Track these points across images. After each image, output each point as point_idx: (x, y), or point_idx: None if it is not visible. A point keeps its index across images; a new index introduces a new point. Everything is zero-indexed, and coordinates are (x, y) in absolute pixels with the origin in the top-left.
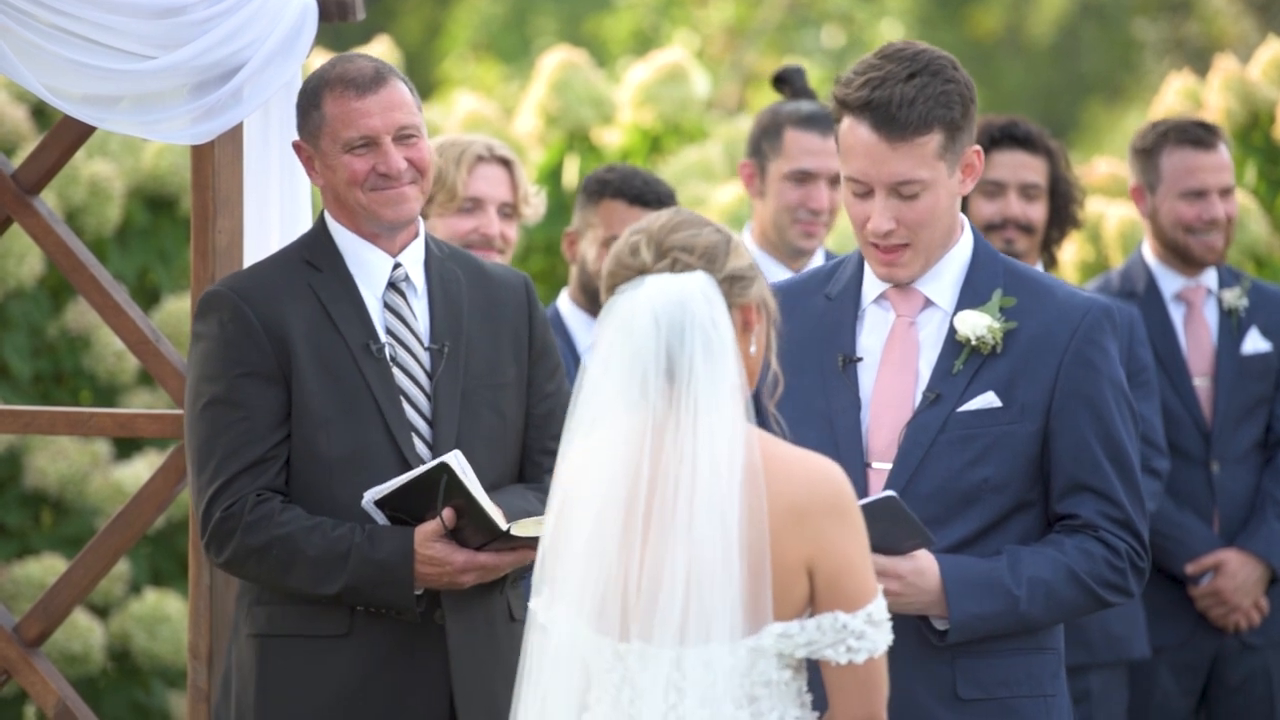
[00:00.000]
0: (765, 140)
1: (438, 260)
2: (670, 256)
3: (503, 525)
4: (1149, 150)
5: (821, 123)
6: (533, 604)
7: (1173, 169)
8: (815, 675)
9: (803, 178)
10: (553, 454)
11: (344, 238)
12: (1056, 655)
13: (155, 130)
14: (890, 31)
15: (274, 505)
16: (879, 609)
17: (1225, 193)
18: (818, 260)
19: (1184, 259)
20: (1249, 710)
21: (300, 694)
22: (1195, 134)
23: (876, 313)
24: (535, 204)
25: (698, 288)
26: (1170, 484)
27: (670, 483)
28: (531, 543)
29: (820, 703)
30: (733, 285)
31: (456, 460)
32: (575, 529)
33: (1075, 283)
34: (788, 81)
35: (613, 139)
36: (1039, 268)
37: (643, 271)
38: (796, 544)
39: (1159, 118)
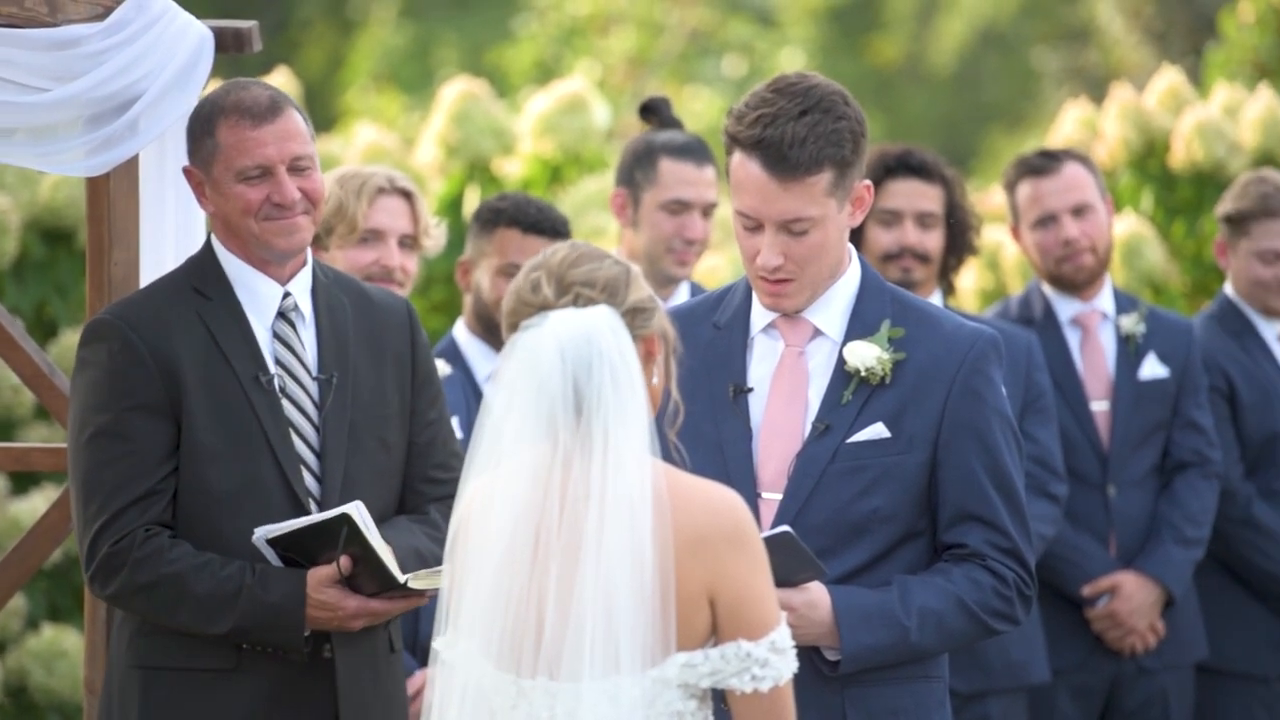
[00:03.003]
0: (638, 169)
1: (324, 287)
2: (573, 292)
3: (400, 578)
4: (1008, 189)
5: (696, 153)
6: (436, 643)
7: (1022, 202)
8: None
9: (678, 208)
10: (435, 483)
11: (233, 265)
12: (942, 683)
13: (51, 162)
14: (791, 61)
15: (162, 541)
16: (783, 637)
17: (1079, 211)
18: (683, 290)
19: (1067, 285)
20: None
21: None
22: (1035, 163)
23: (765, 342)
24: (436, 236)
25: (603, 322)
26: (1067, 507)
27: (579, 516)
28: (424, 592)
29: None
30: (635, 317)
31: (358, 512)
32: (479, 565)
33: (974, 310)
34: (654, 111)
35: (513, 169)
36: (937, 296)
37: (545, 308)
38: (698, 573)
39: (1042, 147)
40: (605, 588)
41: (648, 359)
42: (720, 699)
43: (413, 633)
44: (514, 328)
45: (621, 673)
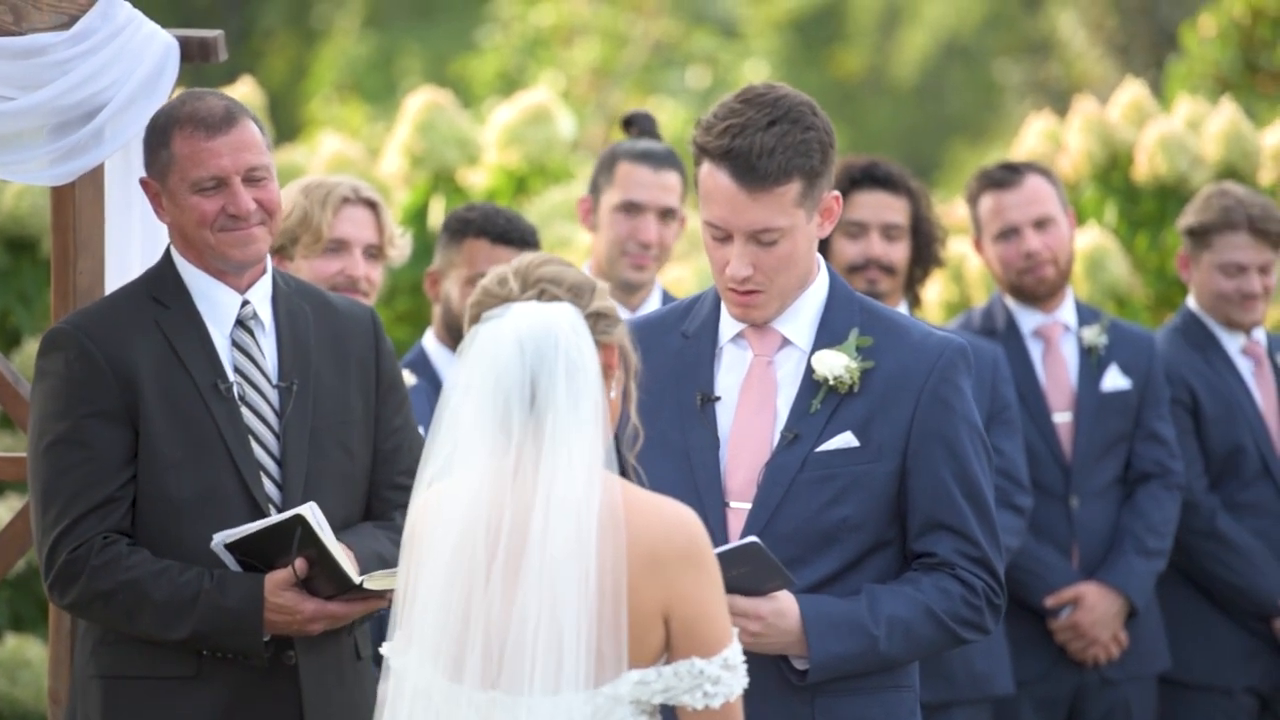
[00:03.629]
0: (601, 174)
1: (285, 295)
2: (538, 287)
3: (355, 578)
4: (970, 201)
5: (657, 158)
6: (385, 648)
7: (984, 214)
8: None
9: (632, 209)
10: (401, 489)
11: (191, 275)
12: (913, 693)
13: (15, 171)
14: (755, 72)
15: (120, 548)
16: (734, 653)
17: (1040, 223)
18: (655, 299)
19: (1029, 297)
20: None
21: None
22: (997, 176)
23: (734, 351)
24: (401, 246)
25: (564, 318)
26: (1030, 518)
27: (529, 522)
28: (383, 593)
29: None
30: (598, 321)
31: (312, 513)
32: (430, 573)
33: (939, 322)
34: (635, 124)
35: (478, 180)
36: (903, 307)
37: (508, 300)
38: (653, 591)
39: (1003, 160)
40: (550, 599)
41: (607, 370)
42: (669, 713)
43: (381, 641)
44: (476, 320)
45: (566, 689)
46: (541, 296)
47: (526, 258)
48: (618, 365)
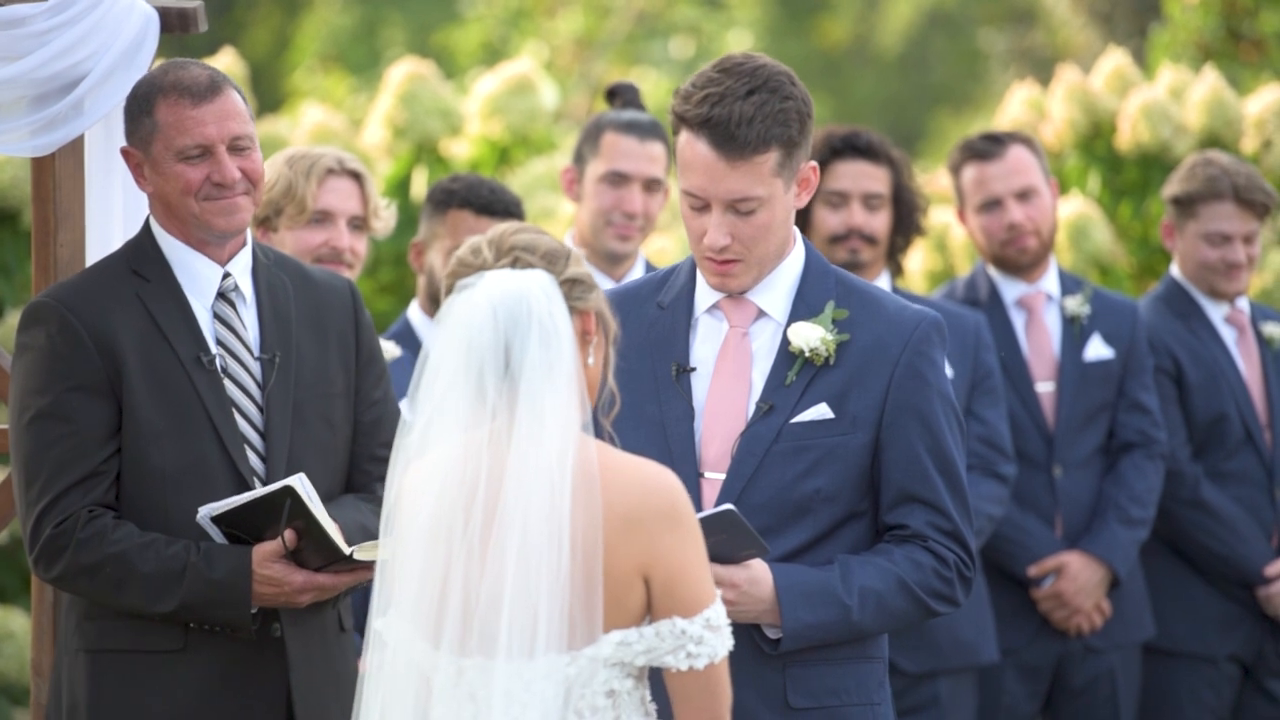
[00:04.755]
0: (586, 144)
1: (265, 268)
2: (512, 255)
3: (345, 550)
4: (953, 171)
5: (642, 129)
6: (376, 623)
7: (967, 185)
8: (660, 685)
9: (617, 180)
10: (381, 461)
11: (171, 246)
12: (882, 664)
13: None
14: (738, 42)
15: (106, 522)
16: (717, 614)
17: (1023, 195)
18: (638, 268)
19: (1012, 267)
20: (1093, 713)
21: (136, 712)
22: (979, 147)
23: (710, 322)
24: (385, 217)
25: (537, 283)
26: (1013, 488)
27: (503, 487)
28: (371, 564)
29: (665, 712)
30: (573, 288)
31: (301, 484)
32: (411, 543)
33: (922, 292)
34: (620, 95)
35: (461, 151)
36: (885, 278)
37: (483, 269)
38: (631, 551)
39: (986, 130)
40: (527, 564)
41: (584, 338)
42: (658, 678)
43: (364, 614)
44: (451, 290)
45: (548, 652)
46: (515, 264)
47: (500, 227)
48: (595, 331)
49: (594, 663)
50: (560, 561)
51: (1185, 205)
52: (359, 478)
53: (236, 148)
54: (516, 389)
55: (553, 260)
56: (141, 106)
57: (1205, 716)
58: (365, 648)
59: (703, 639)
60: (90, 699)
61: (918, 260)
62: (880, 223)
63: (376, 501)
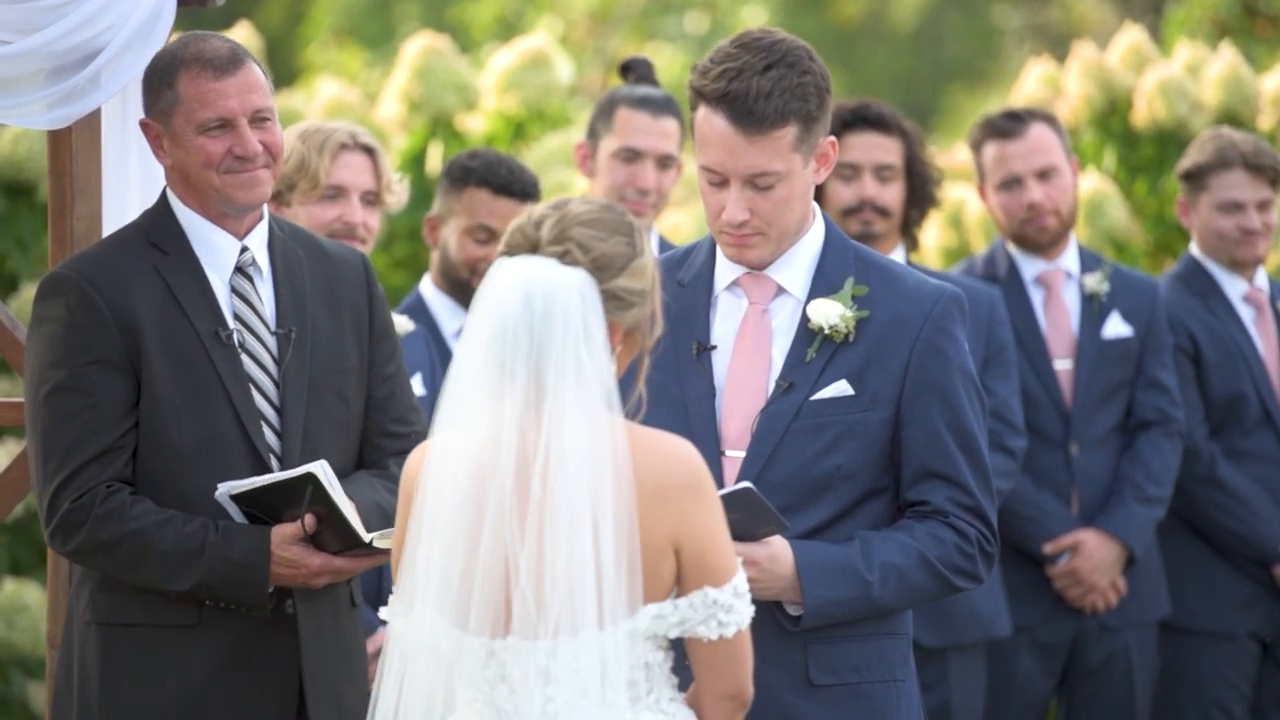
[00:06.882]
0: (599, 120)
1: (280, 241)
2: (565, 245)
3: (365, 537)
4: (974, 148)
5: (655, 104)
6: (384, 612)
7: (988, 163)
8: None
9: (631, 156)
10: (393, 436)
11: (189, 219)
12: (906, 640)
13: (12, 115)
14: (754, 18)
15: (124, 497)
16: (741, 581)
17: (1044, 174)
18: (652, 245)
19: (1032, 245)
20: (1108, 691)
21: (148, 686)
22: (1000, 125)
23: (729, 300)
24: (398, 191)
25: (576, 287)
26: (1029, 465)
27: (533, 468)
28: (388, 551)
29: (682, 683)
30: (611, 300)
31: (323, 471)
32: (431, 526)
33: (939, 268)
34: (633, 70)
35: (476, 125)
36: (900, 251)
37: (533, 248)
38: (661, 524)
39: (1008, 107)
40: (569, 543)
41: (610, 344)
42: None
43: (375, 589)
44: (504, 251)
45: (589, 628)
46: (564, 258)
47: (576, 208)
48: (621, 343)
49: (632, 637)
50: (603, 538)
51: (1196, 178)
52: (371, 453)
53: (258, 120)
54: (545, 372)
55: (603, 267)
56: (162, 79)
57: (1228, 693)
58: (387, 633)
59: (732, 607)
60: (102, 672)
61: (933, 236)
62: (893, 194)
63: (390, 479)
